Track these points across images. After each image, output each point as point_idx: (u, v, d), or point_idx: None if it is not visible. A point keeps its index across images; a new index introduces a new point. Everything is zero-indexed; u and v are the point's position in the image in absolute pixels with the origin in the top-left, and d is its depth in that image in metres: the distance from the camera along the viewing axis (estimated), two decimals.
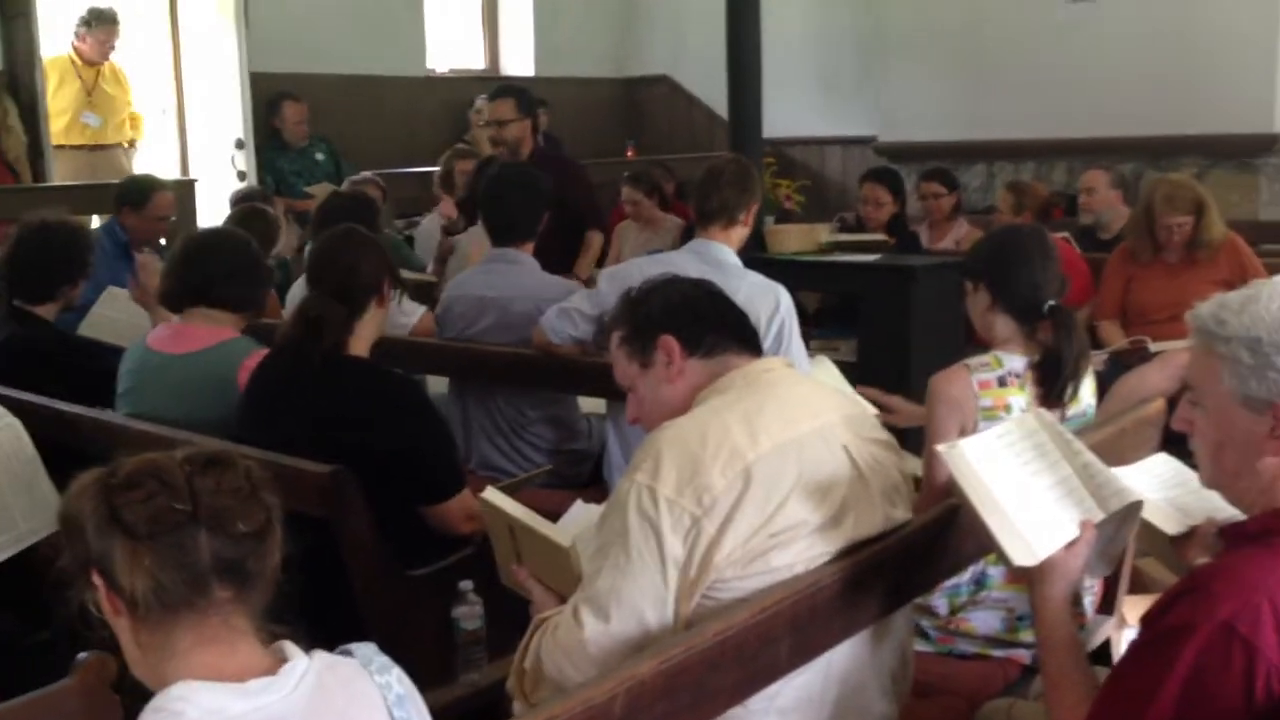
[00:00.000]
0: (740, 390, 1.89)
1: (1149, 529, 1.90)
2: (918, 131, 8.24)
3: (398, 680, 1.51)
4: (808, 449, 1.79)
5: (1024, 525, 1.70)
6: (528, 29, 9.66)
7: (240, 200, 5.67)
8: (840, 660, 1.83)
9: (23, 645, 2.66)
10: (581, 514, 2.20)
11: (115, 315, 3.99)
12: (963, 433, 2.32)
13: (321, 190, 6.29)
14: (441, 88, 9.06)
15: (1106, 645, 2.57)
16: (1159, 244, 4.62)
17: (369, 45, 8.25)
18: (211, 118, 7.70)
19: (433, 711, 1.61)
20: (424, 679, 1.63)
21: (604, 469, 3.55)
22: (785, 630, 1.65)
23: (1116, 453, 2.22)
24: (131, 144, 7.16)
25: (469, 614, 2.38)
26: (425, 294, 4.62)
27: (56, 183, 6.40)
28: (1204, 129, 7.06)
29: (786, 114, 8.94)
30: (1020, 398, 2.49)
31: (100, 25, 6.73)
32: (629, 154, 9.44)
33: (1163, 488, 1.96)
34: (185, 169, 7.68)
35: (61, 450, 2.64)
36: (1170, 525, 1.88)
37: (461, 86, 9.12)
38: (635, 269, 3.26)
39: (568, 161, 5.65)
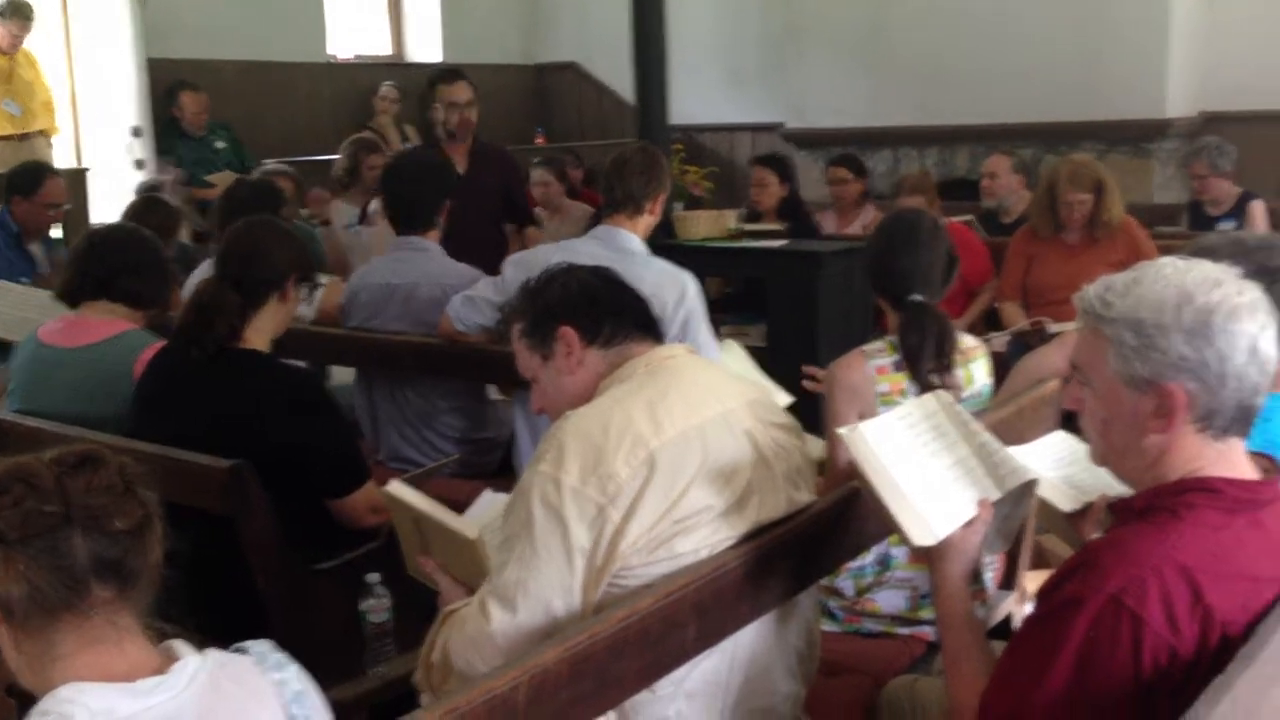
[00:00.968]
0: (642, 378, 1.89)
1: (1046, 506, 1.94)
2: (825, 118, 8.33)
3: (295, 677, 1.49)
4: (711, 435, 1.80)
5: (923, 505, 1.72)
6: (434, 14, 9.56)
7: (149, 190, 5.54)
8: (746, 643, 1.84)
9: None
10: (491, 503, 2.19)
11: (8, 309, 3.87)
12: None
13: (223, 179, 6.16)
14: (345, 74, 8.93)
15: (1009, 620, 2.62)
16: (1060, 222, 4.73)
17: (269, 30, 8.10)
18: (106, 105, 7.48)
19: (341, 705, 1.59)
20: (332, 673, 1.61)
21: (514, 457, 3.53)
22: (690, 614, 1.66)
23: (1015, 432, 2.27)
24: (46, 133, 6.91)
25: (376, 607, 2.36)
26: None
27: None
28: (1100, 115, 7.24)
29: (695, 101, 8.98)
30: (914, 382, 2.53)
31: (14, 17, 6.54)
32: (538, 140, 9.40)
33: (1059, 465, 2.00)
34: (79, 158, 7.47)
35: None
36: (1066, 502, 1.92)
37: (366, 73, 9.01)
38: (541, 256, 3.24)
39: (508, 154, 5.57)
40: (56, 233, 5.24)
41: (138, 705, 1.32)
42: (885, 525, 2.05)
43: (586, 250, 3.27)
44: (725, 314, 5.23)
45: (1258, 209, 5.59)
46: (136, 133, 7.33)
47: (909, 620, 2.52)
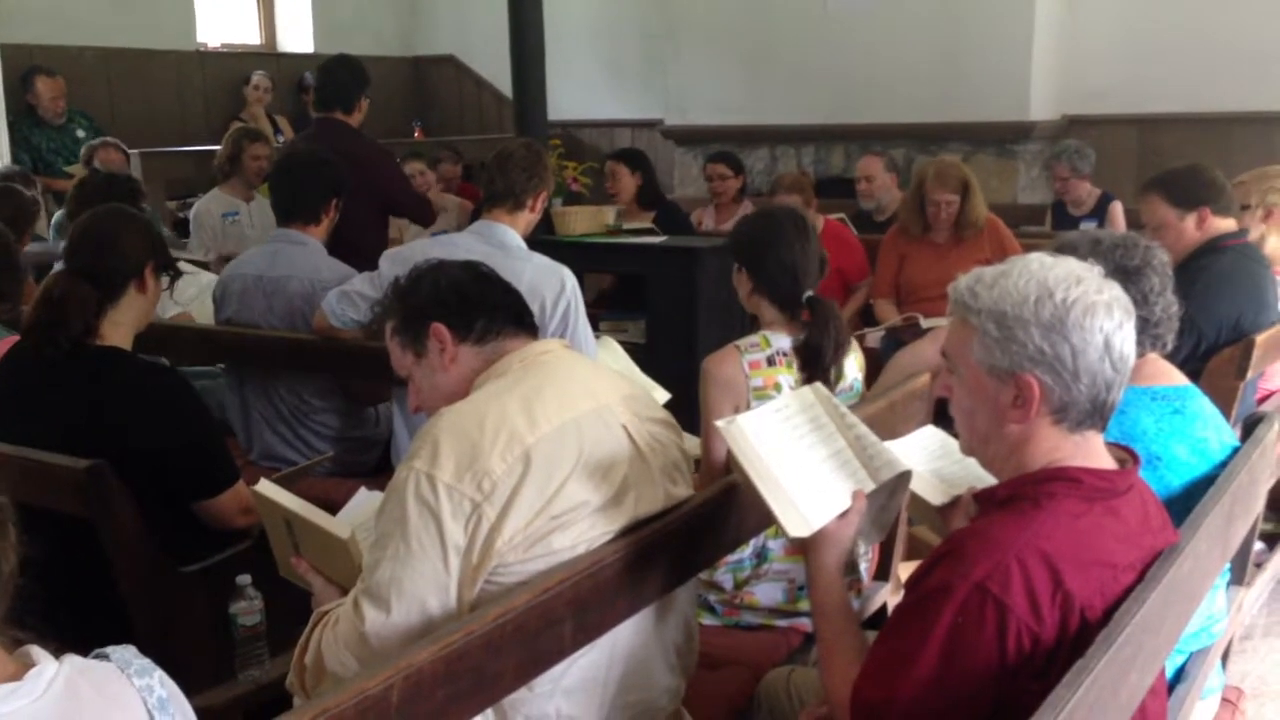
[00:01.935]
0: (518, 373, 1.87)
1: (918, 499, 1.98)
2: (704, 116, 8.39)
3: (159, 683, 1.43)
4: (587, 430, 1.79)
5: (799, 497, 1.74)
6: (305, 4, 9.36)
7: (2, 179, 5.29)
8: (625, 638, 1.83)
9: None
10: (366, 502, 2.14)
11: None
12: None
13: (81, 169, 5.94)
14: (214, 63, 8.68)
15: (884, 610, 2.68)
16: (928, 221, 4.86)
17: (133, 17, 7.83)
18: None
19: (212, 711, 1.55)
20: (202, 678, 1.56)
21: (392, 455, 3.48)
22: (567, 610, 1.65)
23: (888, 425, 2.31)
24: None
25: (247, 609, 2.29)
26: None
27: None
28: (968, 117, 7.44)
29: (574, 96, 8.98)
30: (789, 376, 2.56)
31: None
32: (416, 134, 9.27)
33: (930, 459, 2.04)
34: None
35: None
36: (936, 495, 1.96)
37: (236, 62, 8.78)
38: (418, 250, 3.19)
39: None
40: None
41: None
42: (762, 519, 2.08)
43: (464, 244, 3.24)
44: (604, 310, 5.23)
45: (1117, 209, 5.82)
46: None
47: (787, 612, 2.55)
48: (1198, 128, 7.13)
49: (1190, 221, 3.34)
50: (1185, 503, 1.89)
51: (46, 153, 6.99)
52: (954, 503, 1.93)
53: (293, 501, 2.05)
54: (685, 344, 4.61)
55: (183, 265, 4.29)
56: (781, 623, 2.56)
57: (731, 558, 2.50)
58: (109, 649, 1.45)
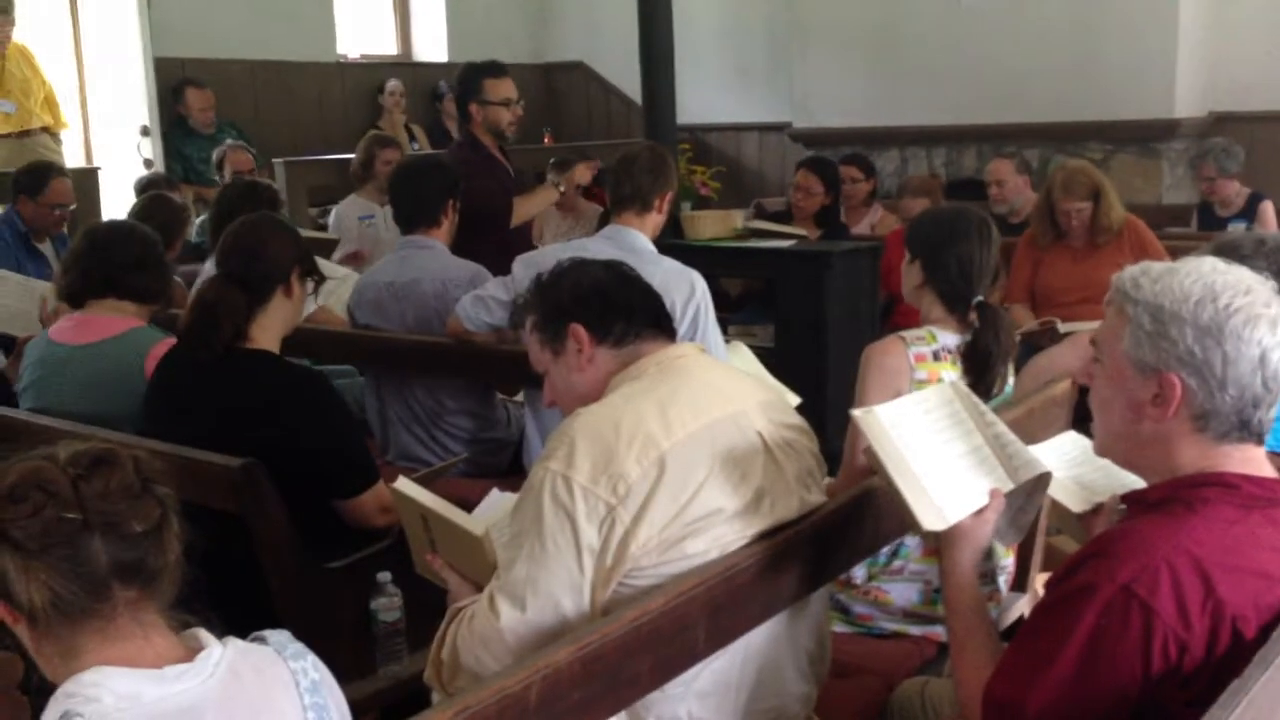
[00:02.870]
0: (654, 377, 1.88)
1: (1058, 507, 1.94)
2: (832, 118, 8.31)
3: (313, 666, 1.50)
4: (722, 435, 1.79)
5: (934, 490, 1.72)
6: (440, 13, 9.56)
7: (145, 187, 5.54)
8: (757, 643, 1.83)
9: None
10: (498, 502, 2.18)
11: (3, 300, 3.88)
12: None
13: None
14: (353, 73, 8.94)
15: (1020, 622, 2.62)
16: (1060, 229, 4.73)
17: (277, 30, 8.11)
18: (116, 104, 7.49)
19: (354, 704, 1.59)
20: (344, 672, 1.61)
21: (523, 457, 3.53)
22: (701, 615, 1.65)
23: (1026, 431, 2.25)
24: (50, 129, 6.88)
25: (387, 605, 2.36)
26: (325, 252, 4.63)
27: None
28: (1107, 115, 7.21)
29: (702, 101, 8.98)
30: (953, 373, 2.52)
31: None
32: (546, 140, 9.39)
33: (1070, 466, 1.99)
34: (89, 157, 7.48)
35: None
36: (1077, 503, 1.92)
37: (373, 72, 9.02)
38: (550, 256, 3.23)
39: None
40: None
41: (163, 690, 1.33)
42: (897, 526, 2.06)
43: (596, 249, 3.26)
44: (733, 313, 5.22)
45: (1268, 210, 5.58)
46: (145, 132, 7.35)
47: (921, 617, 2.51)
48: None
49: None
50: None
51: (197, 162, 7.29)
52: (1095, 510, 1.89)
53: (429, 499, 2.10)
54: (814, 348, 4.58)
55: (327, 268, 4.46)
56: (915, 630, 2.52)
57: None
58: (266, 632, 1.52)
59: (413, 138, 8.79)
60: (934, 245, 2.62)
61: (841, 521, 1.93)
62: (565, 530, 1.70)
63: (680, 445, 1.74)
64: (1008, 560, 2.63)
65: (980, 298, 2.59)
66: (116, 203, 6.49)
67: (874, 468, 1.80)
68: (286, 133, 7.92)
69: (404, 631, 2.36)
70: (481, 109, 4.65)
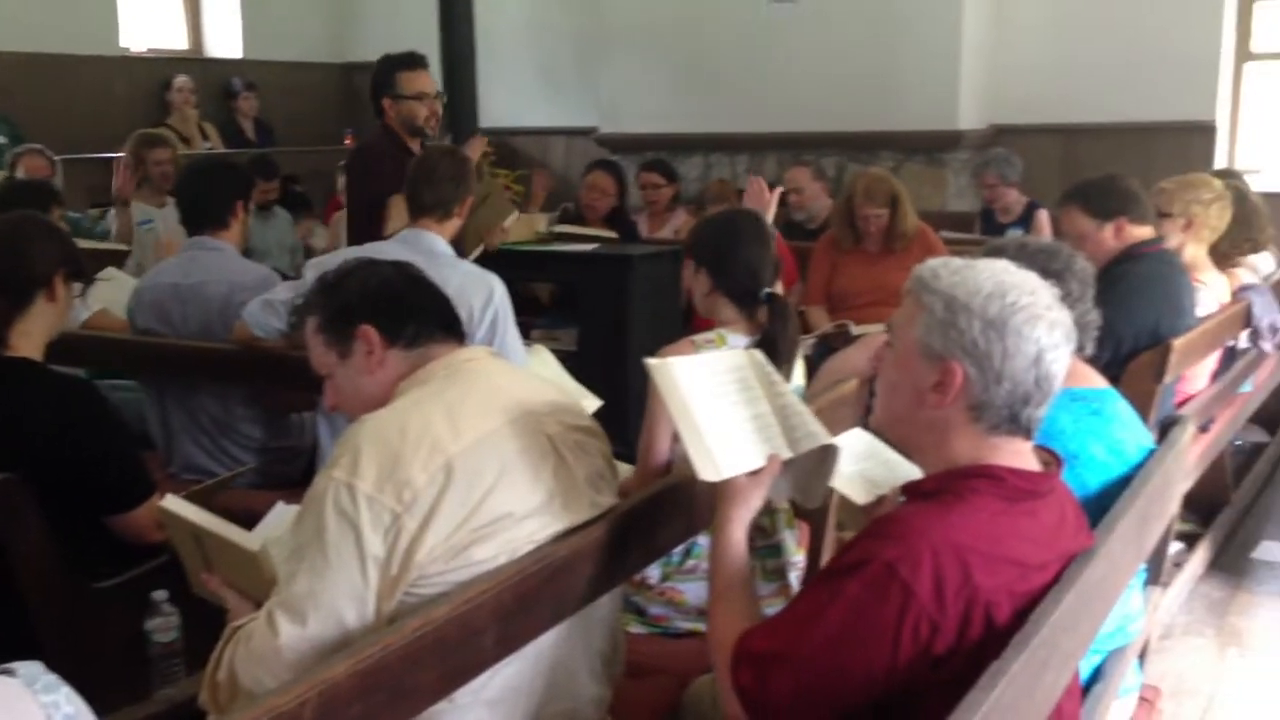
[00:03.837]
0: (442, 381, 1.84)
1: (844, 500, 1.99)
2: (637, 124, 8.39)
3: (66, 699, 1.39)
4: (511, 440, 1.77)
5: (714, 444, 1.75)
6: (233, 8, 9.23)
7: None
8: (549, 647, 1.81)
9: None
10: (283, 515, 2.10)
11: None
12: None
13: (3, 175, 5.79)
14: (138, 68, 8.53)
15: None
16: (859, 234, 4.92)
17: (56, 21, 7.67)
18: None
19: None
20: (116, 696, 1.51)
21: (317, 465, 3.42)
22: (489, 621, 1.62)
23: None
24: None
25: (163, 626, 2.25)
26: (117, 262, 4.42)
27: None
28: (897, 126, 7.52)
29: (507, 104, 8.93)
30: None
31: None
32: (347, 141, 9.17)
33: (856, 460, 2.05)
34: None
35: None
36: (861, 495, 1.97)
37: (160, 67, 8.63)
38: (341, 259, 3.15)
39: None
40: None
41: None
42: (688, 526, 2.07)
43: (391, 252, 3.19)
44: (538, 318, 5.21)
45: (1043, 217, 5.87)
46: None
47: None
48: (1119, 137, 7.28)
49: (1108, 231, 3.41)
50: (1101, 502, 1.92)
51: None
52: (879, 502, 1.94)
53: (200, 516, 2.00)
54: (617, 352, 4.60)
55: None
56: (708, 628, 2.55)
57: None
58: (15, 664, 1.41)
59: (205, 136, 8.45)
60: (718, 250, 2.67)
61: (633, 522, 1.92)
62: (349, 540, 1.64)
63: (468, 450, 1.71)
64: (799, 557, 2.69)
65: (768, 289, 2.65)
66: None
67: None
68: (64, 129, 7.48)
69: (181, 653, 2.25)
70: (395, 103, 4.35)
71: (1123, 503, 1.89)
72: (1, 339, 2.45)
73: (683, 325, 5.06)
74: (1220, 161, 7.23)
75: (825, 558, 2.76)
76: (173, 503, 2.05)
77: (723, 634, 1.65)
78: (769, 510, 2.59)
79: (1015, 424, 1.58)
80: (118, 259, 4.67)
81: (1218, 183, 4.10)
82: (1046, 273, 2.14)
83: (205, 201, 3.60)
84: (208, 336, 3.50)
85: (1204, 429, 3.80)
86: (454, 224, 3.40)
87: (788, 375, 2.65)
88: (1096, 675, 2.07)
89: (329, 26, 10.02)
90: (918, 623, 1.44)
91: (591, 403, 3.13)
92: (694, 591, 2.55)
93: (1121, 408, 2.21)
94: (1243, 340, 4.21)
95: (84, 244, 3.51)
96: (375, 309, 1.92)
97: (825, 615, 1.49)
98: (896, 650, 1.45)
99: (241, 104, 8.92)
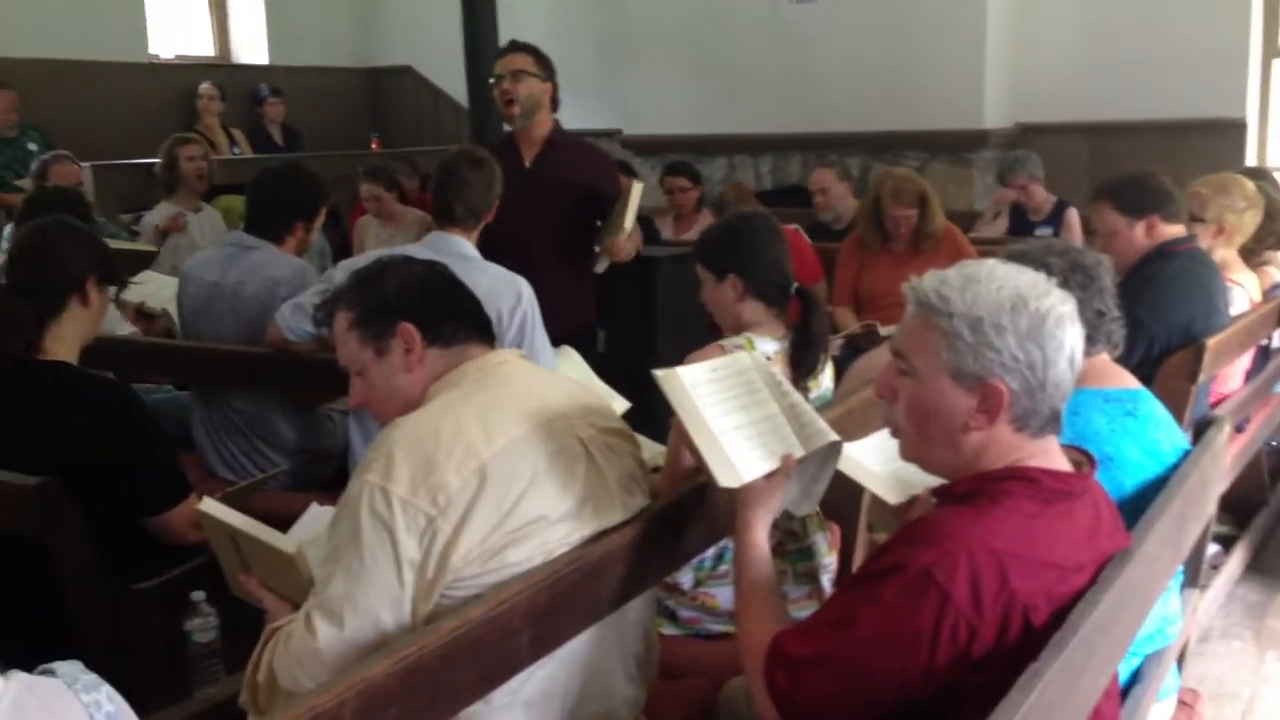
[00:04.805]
0: (474, 384, 1.85)
1: (876, 501, 1.99)
2: (661, 125, 8.40)
3: (107, 698, 1.41)
4: (543, 443, 1.77)
5: (731, 450, 1.77)
6: (259, 14, 9.29)
7: None
8: (583, 649, 1.82)
9: None
10: (318, 516, 2.12)
11: None
12: None
13: (32, 184, 5.85)
14: (166, 75, 8.60)
15: None
16: (887, 234, 4.89)
17: (84, 28, 7.75)
18: None
19: None
20: (155, 696, 1.53)
21: (349, 467, 3.44)
22: (524, 622, 1.63)
23: (847, 430, 2.30)
24: None
25: (202, 626, 2.27)
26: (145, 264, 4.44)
27: None
28: (923, 125, 7.50)
29: None
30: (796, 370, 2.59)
31: None
32: (373, 146, 9.22)
33: (886, 460, 2.04)
34: None
35: None
36: (893, 496, 1.97)
37: (188, 74, 8.69)
38: (371, 260, 3.17)
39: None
40: None
41: None
42: (719, 527, 2.08)
43: (420, 256, 3.21)
44: None
45: (1073, 216, 5.88)
46: None
47: None
48: (1146, 135, 7.23)
49: (1140, 229, 3.37)
50: (1137, 504, 1.91)
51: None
52: (911, 502, 1.94)
53: (236, 518, 2.02)
54: (644, 353, 4.61)
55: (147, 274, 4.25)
56: None
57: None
58: (56, 664, 1.43)
59: (233, 142, 8.50)
60: (745, 253, 2.66)
61: (665, 524, 1.93)
62: (384, 544, 1.65)
63: (501, 453, 1.72)
64: (830, 559, 2.69)
65: (796, 284, 2.65)
66: None
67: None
68: (95, 136, 7.55)
69: (220, 652, 2.27)
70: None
71: (1160, 503, 1.88)
72: (35, 344, 2.47)
73: (709, 328, 5.07)
74: (1250, 159, 7.18)
75: (857, 560, 2.76)
76: (210, 505, 2.07)
77: (753, 637, 1.65)
78: (793, 515, 2.59)
79: (1056, 421, 1.59)
80: (146, 260, 4.71)
81: (1251, 186, 4.03)
82: (1078, 265, 2.15)
83: (269, 212, 3.55)
84: (245, 337, 3.52)
85: (1239, 429, 3.76)
86: (479, 228, 3.41)
87: (823, 365, 2.66)
88: (1135, 678, 2.06)
89: (354, 31, 10.07)
90: (955, 627, 1.44)
91: (620, 404, 3.14)
92: (726, 596, 2.55)
93: (1156, 408, 2.20)
94: (1276, 339, 4.18)
95: (112, 244, 3.52)
96: (413, 306, 1.91)
97: (860, 619, 1.49)
98: (934, 654, 1.44)
99: (269, 109, 8.97)
